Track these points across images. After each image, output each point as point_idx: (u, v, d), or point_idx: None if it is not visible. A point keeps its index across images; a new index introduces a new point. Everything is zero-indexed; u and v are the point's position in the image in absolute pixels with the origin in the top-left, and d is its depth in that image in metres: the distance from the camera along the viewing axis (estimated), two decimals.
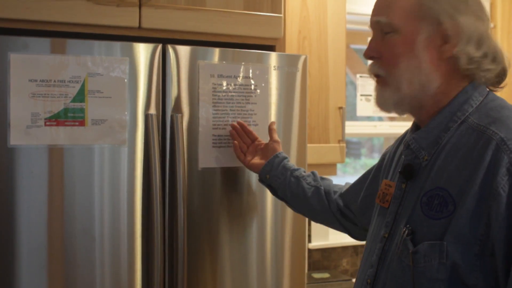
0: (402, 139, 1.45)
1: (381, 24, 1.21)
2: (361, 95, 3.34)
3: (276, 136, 1.83)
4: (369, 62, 1.30)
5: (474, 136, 1.13)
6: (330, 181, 1.77)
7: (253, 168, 1.81)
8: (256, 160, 1.81)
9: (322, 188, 1.71)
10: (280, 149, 1.81)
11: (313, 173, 1.77)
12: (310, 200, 1.70)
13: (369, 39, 1.28)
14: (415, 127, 1.30)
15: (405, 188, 1.23)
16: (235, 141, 1.84)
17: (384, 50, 1.21)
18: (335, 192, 1.71)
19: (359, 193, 1.58)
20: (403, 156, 1.27)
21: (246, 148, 1.85)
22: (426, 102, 1.21)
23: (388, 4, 1.21)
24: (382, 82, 1.24)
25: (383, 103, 1.24)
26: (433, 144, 1.19)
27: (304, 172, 1.76)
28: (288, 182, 1.72)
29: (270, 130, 1.84)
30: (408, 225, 1.15)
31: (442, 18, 1.17)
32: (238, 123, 1.86)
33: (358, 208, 1.59)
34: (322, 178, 1.76)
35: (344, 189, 1.70)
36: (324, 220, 1.74)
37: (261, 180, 1.80)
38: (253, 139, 1.85)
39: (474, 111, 1.19)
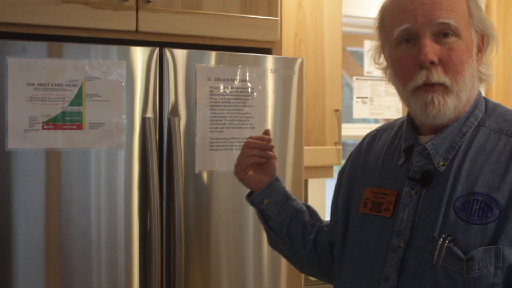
0: (370, 143, 1.41)
1: (449, 26, 1.16)
2: (357, 97, 3.35)
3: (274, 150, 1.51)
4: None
5: (503, 141, 1.16)
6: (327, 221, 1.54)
7: (248, 182, 1.50)
8: (253, 173, 1.50)
9: (326, 231, 1.49)
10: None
11: (307, 206, 1.53)
12: (311, 241, 1.48)
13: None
14: (411, 131, 1.27)
15: (419, 195, 1.20)
16: (258, 153, 1.49)
17: (449, 56, 1.16)
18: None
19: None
20: (414, 163, 1.23)
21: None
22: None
23: (452, 7, 1.17)
24: (444, 89, 1.17)
25: (445, 112, 1.17)
26: (449, 150, 1.19)
27: (301, 204, 1.52)
28: (290, 214, 1.48)
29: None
30: (446, 233, 1.12)
31: (482, 28, 1.21)
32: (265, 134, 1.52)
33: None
34: (320, 219, 1.53)
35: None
36: (316, 268, 1.51)
37: (254, 202, 1.50)
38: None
39: (484, 116, 1.21)
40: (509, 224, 1.07)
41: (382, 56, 1.32)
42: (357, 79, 3.36)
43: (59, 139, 1.67)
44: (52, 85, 1.66)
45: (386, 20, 1.26)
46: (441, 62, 1.16)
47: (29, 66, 1.64)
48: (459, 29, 1.16)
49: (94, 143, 1.71)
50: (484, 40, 1.23)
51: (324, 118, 2.60)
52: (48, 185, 1.68)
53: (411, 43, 1.18)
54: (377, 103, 3.39)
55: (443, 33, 1.16)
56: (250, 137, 1.50)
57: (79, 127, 1.69)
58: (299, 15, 2.55)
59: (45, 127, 1.66)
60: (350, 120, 3.39)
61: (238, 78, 1.90)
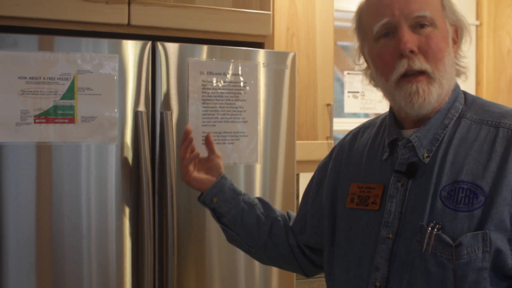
0: (352, 140, 1.42)
1: (425, 18, 1.19)
2: (349, 92, 3.36)
3: (217, 150, 1.58)
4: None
5: (484, 131, 1.19)
6: (283, 213, 1.59)
7: (194, 184, 1.55)
8: (199, 175, 1.55)
9: (281, 220, 1.54)
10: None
11: (259, 199, 1.57)
12: (266, 232, 1.52)
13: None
14: (395, 126, 1.29)
15: (406, 186, 1.22)
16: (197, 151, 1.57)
17: (427, 44, 1.19)
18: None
19: (305, 219, 1.50)
20: (399, 156, 1.25)
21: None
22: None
23: (425, 0, 1.21)
24: (427, 78, 1.19)
25: (429, 101, 1.19)
26: (433, 142, 1.21)
27: (253, 197, 1.57)
28: (242, 209, 1.52)
29: (209, 143, 1.58)
30: (434, 221, 1.15)
31: (455, 20, 1.25)
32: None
33: (312, 233, 1.48)
34: (274, 209, 1.57)
35: (292, 221, 1.55)
36: (276, 258, 1.55)
37: (204, 202, 1.54)
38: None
39: (465, 108, 1.24)
40: (494, 209, 1.11)
41: (362, 58, 1.34)
42: (348, 73, 3.37)
43: (51, 133, 1.67)
44: (44, 78, 1.66)
45: (364, 19, 1.28)
46: (420, 51, 1.19)
47: (20, 59, 1.63)
48: (434, 19, 1.20)
49: (86, 137, 1.71)
50: (458, 32, 1.27)
51: (315, 112, 2.61)
52: (39, 179, 1.67)
53: (390, 36, 1.21)
54: (368, 97, 3.40)
55: (420, 24, 1.19)
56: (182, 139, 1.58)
57: (71, 121, 1.69)
58: (291, 9, 2.55)
59: (36, 120, 1.65)
60: (341, 114, 3.40)
61: (230, 72, 1.90)
